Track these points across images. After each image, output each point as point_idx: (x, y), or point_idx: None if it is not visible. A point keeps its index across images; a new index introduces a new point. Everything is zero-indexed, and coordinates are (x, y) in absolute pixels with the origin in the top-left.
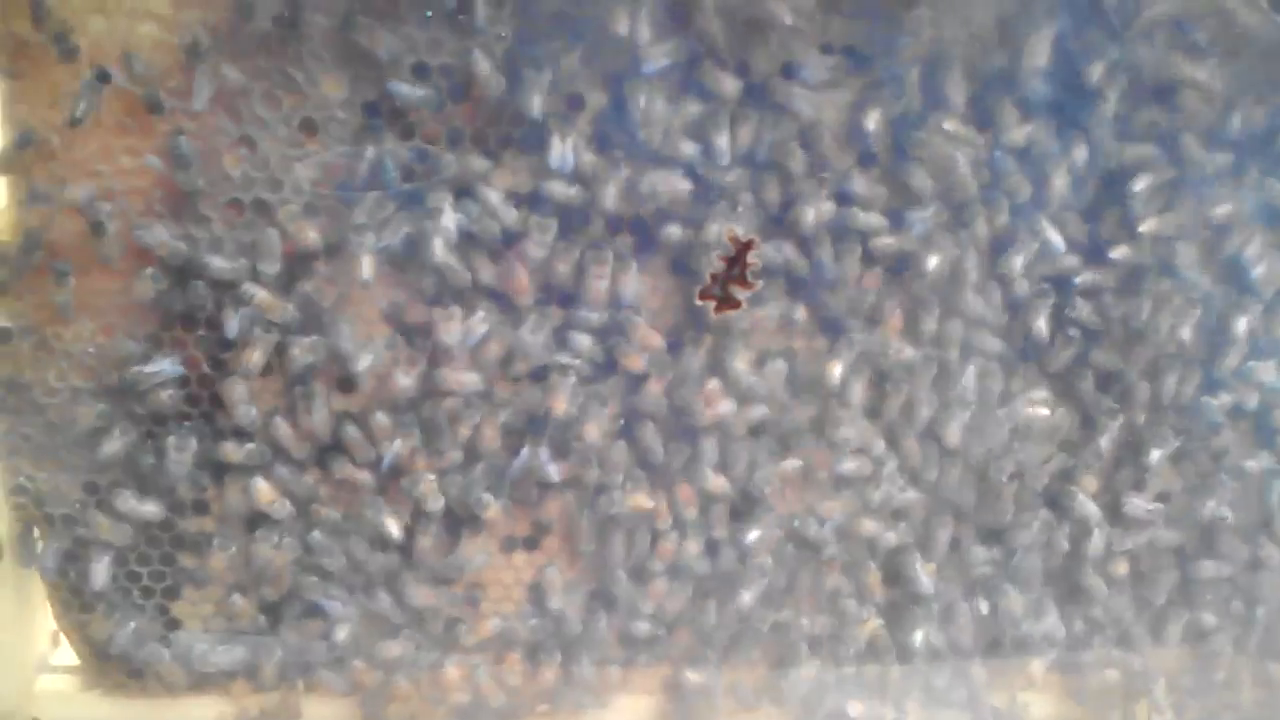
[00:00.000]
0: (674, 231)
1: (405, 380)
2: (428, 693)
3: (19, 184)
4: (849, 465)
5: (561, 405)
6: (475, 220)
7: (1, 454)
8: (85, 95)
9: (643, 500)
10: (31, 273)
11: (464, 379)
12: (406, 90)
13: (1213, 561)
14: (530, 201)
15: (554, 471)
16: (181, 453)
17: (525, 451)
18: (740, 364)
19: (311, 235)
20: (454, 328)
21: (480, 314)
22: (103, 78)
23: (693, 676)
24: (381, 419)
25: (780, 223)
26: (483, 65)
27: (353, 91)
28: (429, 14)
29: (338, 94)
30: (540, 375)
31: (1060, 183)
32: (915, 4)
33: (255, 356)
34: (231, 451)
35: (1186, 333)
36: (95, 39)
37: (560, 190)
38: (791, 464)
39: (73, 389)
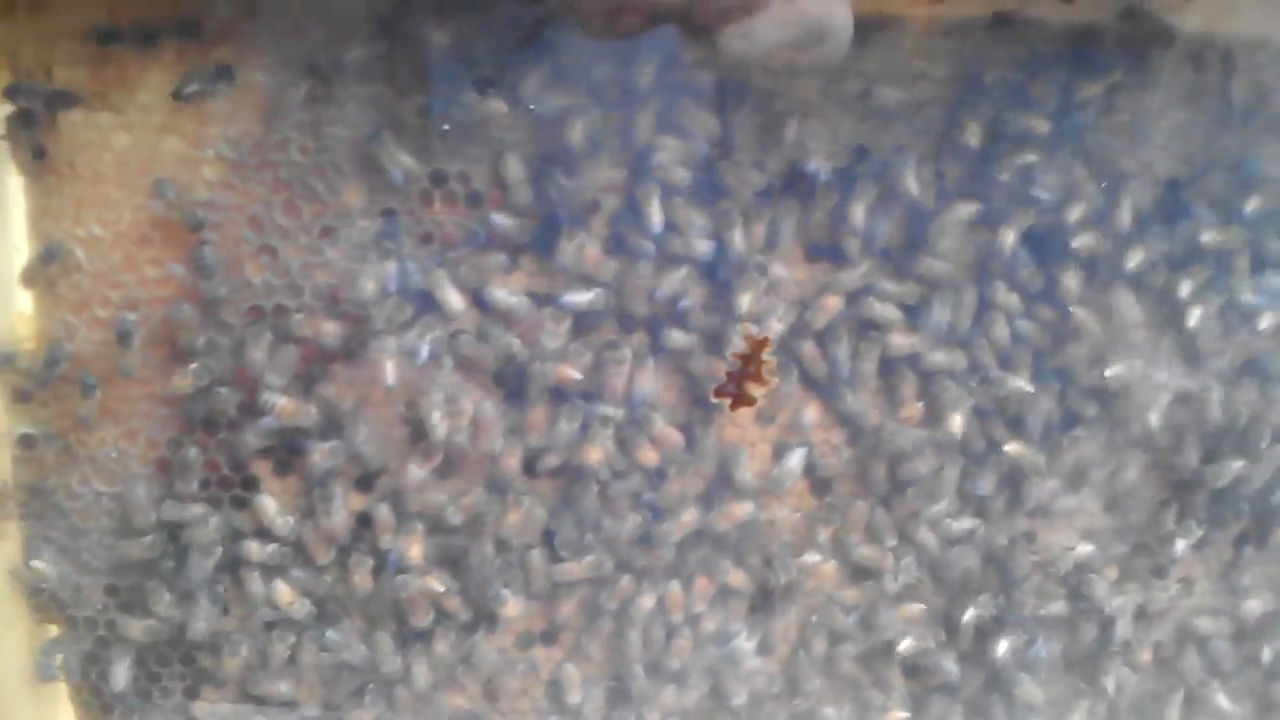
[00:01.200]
0: (687, 332)
1: (419, 474)
2: None
3: (45, 295)
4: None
5: (597, 456)
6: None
7: (25, 558)
8: (198, 79)
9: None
10: (56, 382)
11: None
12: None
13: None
14: (545, 299)
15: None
16: (204, 557)
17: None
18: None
19: (328, 327)
20: (463, 422)
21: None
22: (223, 74)
23: None
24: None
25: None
26: (514, 170)
27: (370, 200)
28: (446, 127)
29: (358, 203)
30: (560, 472)
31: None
32: (924, 106)
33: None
34: (254, 552)
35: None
36: (120, 153)
37: (579, 298)
38: (811, 558)
39: (95, 493)
